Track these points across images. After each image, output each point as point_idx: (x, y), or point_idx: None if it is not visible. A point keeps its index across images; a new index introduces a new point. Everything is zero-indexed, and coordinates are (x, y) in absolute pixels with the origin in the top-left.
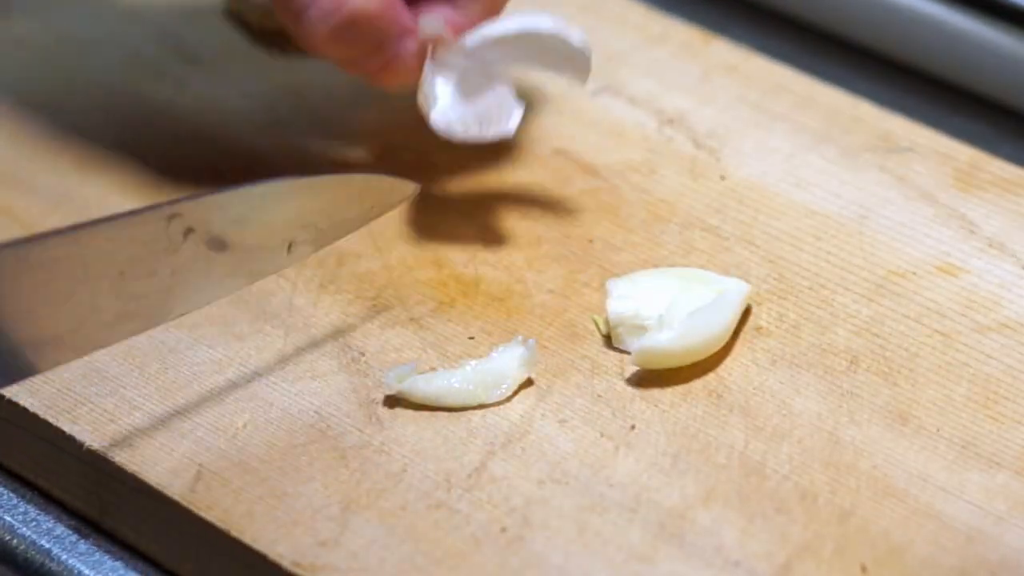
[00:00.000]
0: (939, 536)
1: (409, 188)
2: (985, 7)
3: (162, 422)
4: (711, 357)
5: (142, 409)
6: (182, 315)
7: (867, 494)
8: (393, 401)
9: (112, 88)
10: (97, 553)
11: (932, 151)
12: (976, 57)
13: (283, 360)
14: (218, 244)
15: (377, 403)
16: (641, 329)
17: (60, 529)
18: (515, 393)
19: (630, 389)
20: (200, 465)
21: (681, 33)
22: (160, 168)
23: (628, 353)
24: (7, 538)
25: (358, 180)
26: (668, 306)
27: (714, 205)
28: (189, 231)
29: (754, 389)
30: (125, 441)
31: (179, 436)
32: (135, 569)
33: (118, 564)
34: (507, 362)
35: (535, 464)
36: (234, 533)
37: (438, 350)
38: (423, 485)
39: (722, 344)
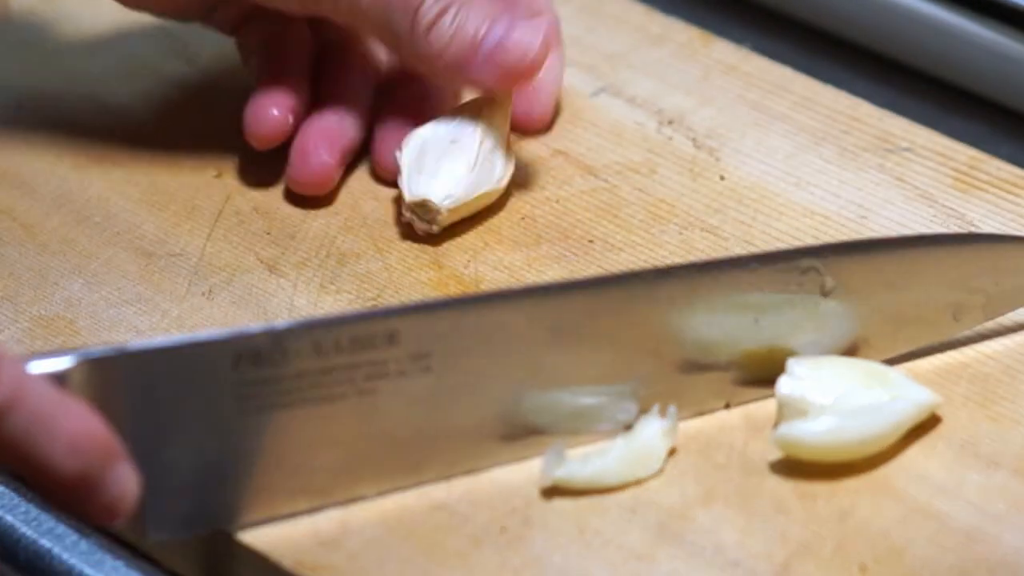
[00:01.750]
0: (938, 536)
1: None
2: (985, 7)
3: None
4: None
5: None
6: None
7: (866, 494)
8: (551, 492)
9: (112, 88)
10: (98, 552)
11: (931, 151)
12: (976, 57)
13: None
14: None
15: None
16: (803, 414)
17: (61, 528)
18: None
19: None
20: None
21: (681, 33)
22: (162, 170)
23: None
24: (8, 537)
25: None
26: (838, 398)
27: (714, 205)
28: (824, 287)
29: None
30: None
31: None
32: (136, 569)
33: (119, 564)
34: (652, 434)
35: (535, 464)
36: (235, 534)
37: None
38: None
39: (875, 450)
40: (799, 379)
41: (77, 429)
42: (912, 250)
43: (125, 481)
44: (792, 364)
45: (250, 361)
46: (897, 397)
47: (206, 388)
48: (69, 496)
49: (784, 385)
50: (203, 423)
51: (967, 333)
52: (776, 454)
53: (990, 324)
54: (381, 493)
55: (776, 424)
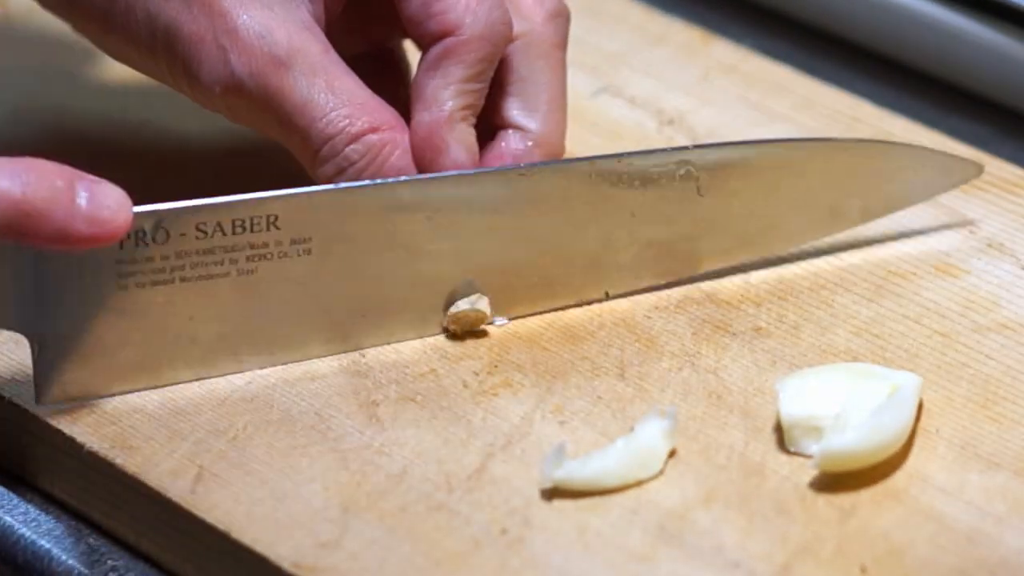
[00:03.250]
0: (939, 536)
1: (973, 170)
2: (985, 7)
3: (162, 423)
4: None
5: (142, 411)
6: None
7: (867, 494)
8: (551, 493)
9: (112, 90)
10: (97, 554)
11: None
12: (976, 57)
13: (283, 360)
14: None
15: (377, 404)
16: (816, 431)
17: (60, 529)
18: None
19: (629, 390)
20: (200, 466)
21: (681, 33)
22: (162, 170)
23: (806, 456)
24: (7, 538)
25: (917, 152)
26: (843, 405)
27: None
28: (699, 186)
29: (754, 389)
30: (125, 442)
31: (179, 437)
32: (135, 570)
33: (119, 565)
34: (653, 435)
35: (535, 465)
36: (234, 535)
37: (438, 351)
38: (423, 486)
39: (904, 441)
40: (796, 398)
41: (16, 164)
42: (789, 151)
43: (96, 193)
44: (780, 386)
45: (133, 240)
46: (895, 386)
47: (87, 261)
48: (41, 222)
49: (785, 408)
50: (84, 295)
51: (970, 329)
52: (785, 462)
53: (990, 324)
54: (262, 366)
55: (786, 446)
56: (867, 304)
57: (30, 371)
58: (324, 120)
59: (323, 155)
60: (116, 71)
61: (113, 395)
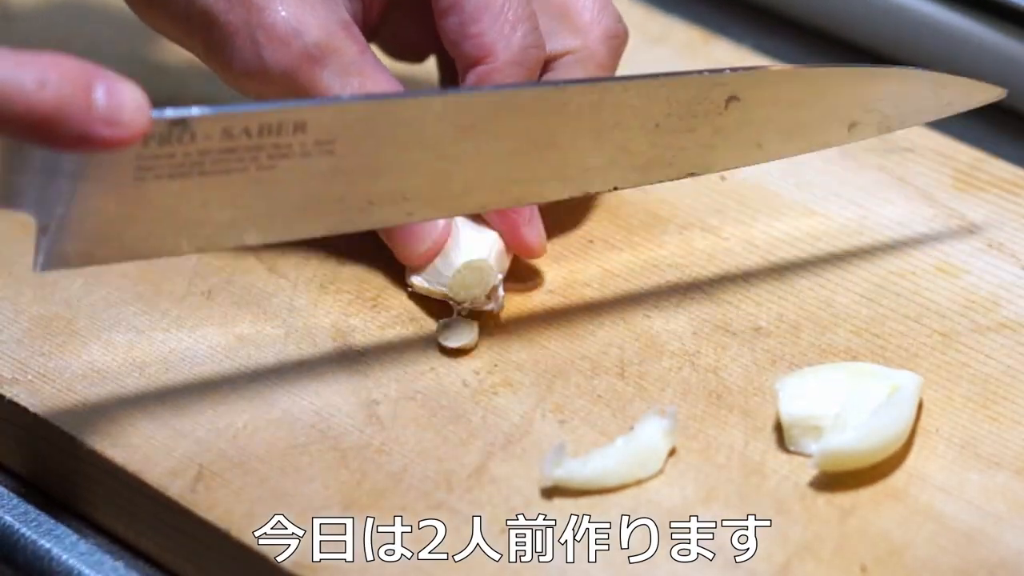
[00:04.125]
0: (939, 536)
1: (995, 92)
2: (985, 7)
3: (162, 422)
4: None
5: (142, 409)
6: (723, 170)
7: (867, 494)
8: (551, 492)
9: None
10: (97, 553)
11: (932, 151)
12: (976, 57)
13: (283, 360)
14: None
15: (377, 403)
16: (816, 430)
17: (60, 529)
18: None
19: (629, 389)
20: (200, 465)
21: (681, 33)
22: None
23: (806, 455)
24: (7, 538)
25: (938, 77)
26: (843, 404)
27: (714, 205)
28: (732, 99)
29: (754, 389)
30: (125, 441)
31: (179, 436)
32: (135, 569)
33: (119, 564)
34: (653, 434)
35: (535, 464)
36: (235, 533)
37: (438, 351)
38: (423, 485)
39: (904, 440)
40: (795, 398)
41: (38, 61)
42: (816, 73)
43: (114, 94)
44: (780, 386)
45: (158, 140)
46: (895, 386)
47: (106, 155)
48: (60, 126)
49: (787, 407)
50: (99, 184)
51: (970, 329)
52: (785, 462)
53: (990, 324)
54: (266, 242)
55: (786, 445)
56: (867, 304)
57: (30, 371)
58: None
59: None
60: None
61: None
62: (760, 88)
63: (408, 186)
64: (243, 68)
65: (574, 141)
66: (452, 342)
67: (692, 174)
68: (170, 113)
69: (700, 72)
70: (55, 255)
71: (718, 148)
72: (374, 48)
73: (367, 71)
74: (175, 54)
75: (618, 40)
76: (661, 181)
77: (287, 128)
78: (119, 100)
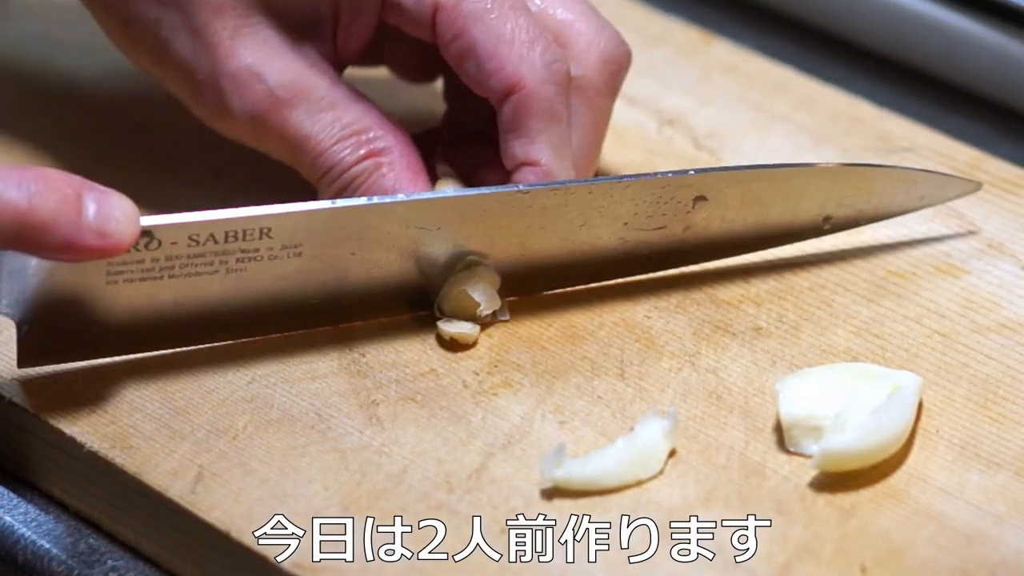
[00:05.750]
0: (939, 536)
1: (970, 186)
2: (985, 7)
3: (162, 423)
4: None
5: (142, 410)
6: (698, 263)
7: (867, 494)
8: (551, 493)
9: (112, 90)
10: (97, 554)
11: (932, 151)
12: (976, 57)
13: (283, 361)
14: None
15: (377, 404)
16: (816, 431)
17: (60, 529)
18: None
19: (629, 390)
20: (200, 466)
21: (681, 33)
22: (162, 170)
23: (806, 456)
24: (7, 538)
25: (911, 174)
26: (843, 405)
27: None
28: (699, 198)
29: (754, 389)
30: (125, 442)
31: (179, 437)
32: (135, 569)
33: (119, 565)
34: (653, 435)
35: (535, 465)
36: (235, 534)
37: (438, 351)
38: (423, 486)
39: (904, 441)
40: (795, 399)
41: (23, 174)
42: (784, 173)
43: (104, 206)
44: (780, 387)
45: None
46: (895, 386)
47: (77, 264)
48: (47, 235)
49: (785, 408)
50: (72, 289)
51: (970, 329)
52: (785, 462)
53: (990, 324)
54: (239, 339)
55: (786, 446)
56: (867, 304)
57: (29, 372)
58: (324, 154)
59: (324, 181)
60: (116, 71)
61: (90, 361)
62: (727, 187)
63: (377, 283)
64: (213, 113)
65: (541, 241)
66: (452, 327)
67: (667, 267)
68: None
69: (665, 173)
70: (34, 352)
71: (689, 243)
72: (385, 70)
73: (340, 104)
74: None
75: (617, 66)
76: (636, 275)
77: (253, 234)
78: (109, 211)
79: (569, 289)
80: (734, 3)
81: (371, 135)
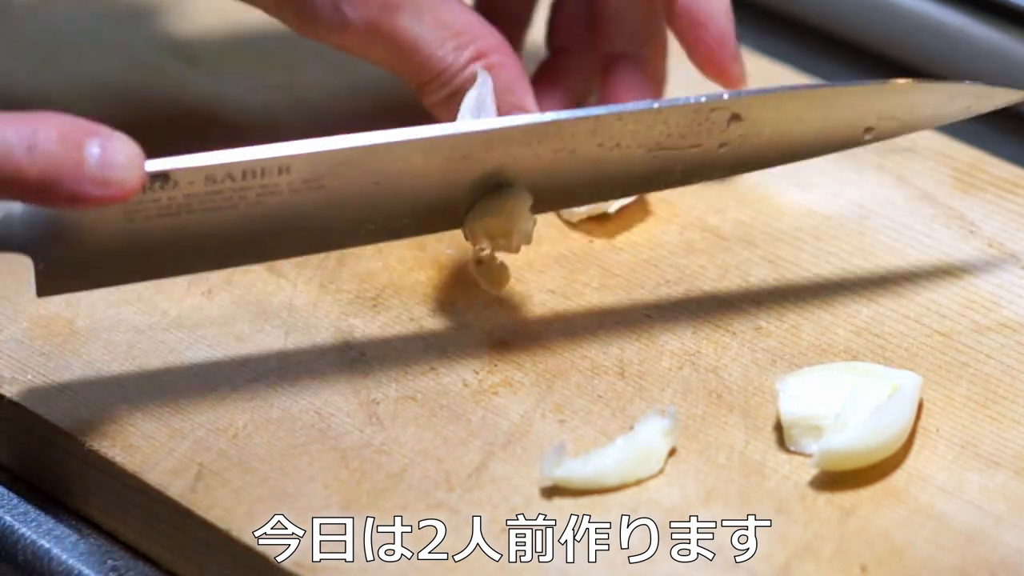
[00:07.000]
0: (939, 536)
1: (1017, 95)
2: (985, 7)
3: (162, 422)
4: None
5: (142, 409)
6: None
7: (867, 494)
8: (551, 492)
9: (112, 89)
10: (97, 553)
11: (932, 151)
12: (976, 57)
13: (283, 360)
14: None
15: (377, 403)
16: (816, 430)
17: (60, 529)
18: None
19: (629, 389)
20: (200, 465)
21: None
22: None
23: (806, 455)
24: (7, 538)
25: (957, 87)
26: (843, 404)
27: (714, 205)
28: (735, 118)
29: (754, 388)
30: (125, 441)
31: (179, 436)
32: (135, 569)
33: (119, 564)
34: (653, 434)
35: (535, 464)
36: (235, 533)
37: (438, 351)
38: (423, 485)
39: (904, 440)
40: (796, 397)
41: (24, 122)
42: (825, 93)
43: (108, 151)
44: (781, 386)
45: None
46: (895, 386)
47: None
48: (50, 188)
49: (785, 407)
50: (90, 226)
51: (970, 329)
52: (785, 461)
53: (990, 324)
54: (250, 264)
55: (786, 445)
56: (867, 304)
57: (30, 371)
58: (434, 56)
59: (434, 86)
60: (117, 71)
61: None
62: (762, 107)
63: (401, 211)
64: (325, 23)
65: (572, 162)
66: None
67: (702, 180)
68: (151, 167)
69: (699, 98)
70: (52, 283)
71: (725, 158)
72: None
73: (439, 6)
74: (176, 51)
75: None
76: (669, 188)
77: (272, 171)
78: (112, 157)
79: (570, 289)
80: (734, 3)
81: (478, 36)
